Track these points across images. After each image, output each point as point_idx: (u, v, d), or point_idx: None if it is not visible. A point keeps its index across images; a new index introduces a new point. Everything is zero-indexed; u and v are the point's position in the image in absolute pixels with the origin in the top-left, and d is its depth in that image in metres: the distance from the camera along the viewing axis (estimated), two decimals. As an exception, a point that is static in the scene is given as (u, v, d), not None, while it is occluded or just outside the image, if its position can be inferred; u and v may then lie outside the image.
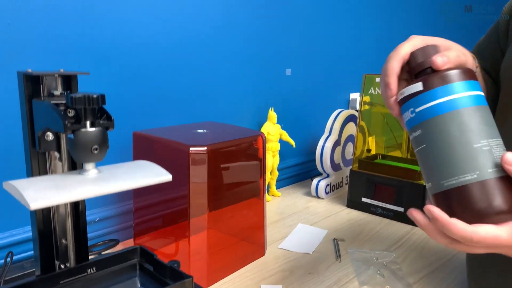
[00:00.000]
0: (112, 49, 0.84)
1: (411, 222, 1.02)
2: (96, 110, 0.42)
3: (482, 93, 0.44)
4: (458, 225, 0.40)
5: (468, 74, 0.44)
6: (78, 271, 0.50)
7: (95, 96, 0.40)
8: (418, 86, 0.45)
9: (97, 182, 0.40)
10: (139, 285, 0.54)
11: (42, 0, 0.74)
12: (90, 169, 0.42)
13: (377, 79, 1.07)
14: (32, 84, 0.47)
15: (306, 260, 0.85)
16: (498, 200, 0.40)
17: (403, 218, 1.04)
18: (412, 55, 0.47)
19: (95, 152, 0.41)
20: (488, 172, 0.41)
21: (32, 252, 0.78)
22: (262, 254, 0.87)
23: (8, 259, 0.70)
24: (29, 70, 0.47)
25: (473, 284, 0.71)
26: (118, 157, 0.85)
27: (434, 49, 0.47)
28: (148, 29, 0.90)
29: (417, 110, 0.45)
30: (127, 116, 0.88)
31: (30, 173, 0.48)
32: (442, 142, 0.43)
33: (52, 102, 0.45)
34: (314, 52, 1.34)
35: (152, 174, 0.44)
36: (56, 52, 0.77)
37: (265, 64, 1.20)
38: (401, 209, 1.04)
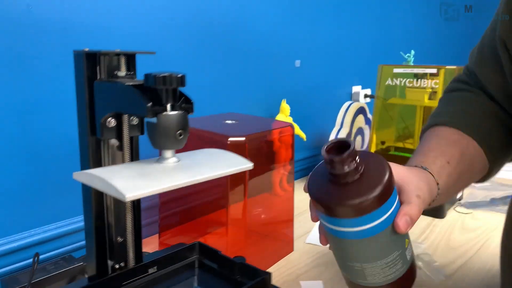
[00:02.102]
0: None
1: (430, 214, 1.03)
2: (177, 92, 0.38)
3: (364, 227, 0.41)
4: None
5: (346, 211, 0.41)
6: (141, 271, 0.45)
7: (178, 75, 0.36)
8: None
9: (184, 171, 0.36)
10: (196, 284, 0.50)
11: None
12: (170, 156, 0.38)
13: (395, 70, 1.06)
14: (92, 65, 0.42)
15: (337, 254, 0.83)
16: None
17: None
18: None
19: (180, 137, 0.37)
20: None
21: (51, 253, 0.73)
22: (291, 249, 0.84)
23: (35, 260, 0.64)
24: (87, 49, 0.42)
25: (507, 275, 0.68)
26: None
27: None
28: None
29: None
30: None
31: (87, 165, 0.43)
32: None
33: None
34: (319, 46, 1.32)
35: (233, 163, 0.40)
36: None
37: (274, 56, 1.17)
38: (420, 201, 1.03)
